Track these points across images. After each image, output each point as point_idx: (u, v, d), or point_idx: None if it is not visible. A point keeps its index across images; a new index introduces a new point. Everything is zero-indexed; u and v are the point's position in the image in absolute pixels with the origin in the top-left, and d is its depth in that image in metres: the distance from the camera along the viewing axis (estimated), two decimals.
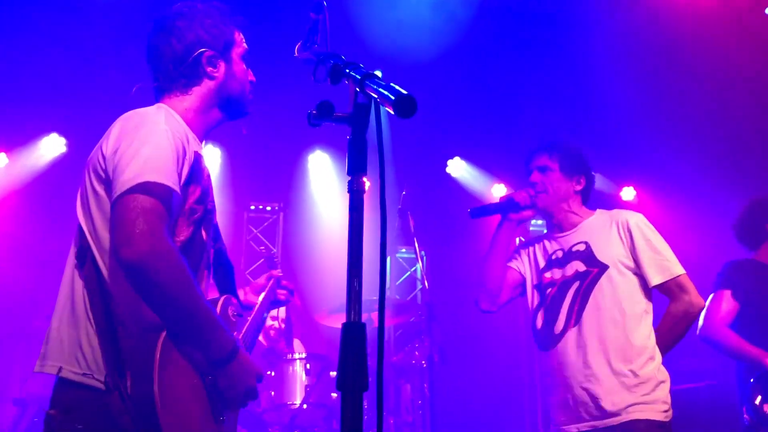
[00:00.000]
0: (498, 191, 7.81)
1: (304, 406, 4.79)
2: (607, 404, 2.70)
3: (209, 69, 2.15)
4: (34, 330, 5.71)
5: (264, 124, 6.31)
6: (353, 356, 1.19)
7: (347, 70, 1.37)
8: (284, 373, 4.91)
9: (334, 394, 4.93)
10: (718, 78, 6.41)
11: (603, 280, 2.84)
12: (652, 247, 2.87)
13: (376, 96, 1.25)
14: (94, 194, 1.94)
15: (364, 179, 1.35)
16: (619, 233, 2.92)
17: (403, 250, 7.66)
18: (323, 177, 7.61)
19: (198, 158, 2.06)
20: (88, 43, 5.87)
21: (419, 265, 5.70)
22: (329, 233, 7.22)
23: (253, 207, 7.58)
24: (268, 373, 4.88)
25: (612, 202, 7.81)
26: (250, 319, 2.41)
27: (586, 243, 2.97)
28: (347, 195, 1.30)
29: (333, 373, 4.97)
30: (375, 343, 1.26)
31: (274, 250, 7.46)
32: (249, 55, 2.28)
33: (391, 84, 1.22)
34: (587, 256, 2.92)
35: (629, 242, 2.89)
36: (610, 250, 2.90)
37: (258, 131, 6.47)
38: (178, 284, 1.77)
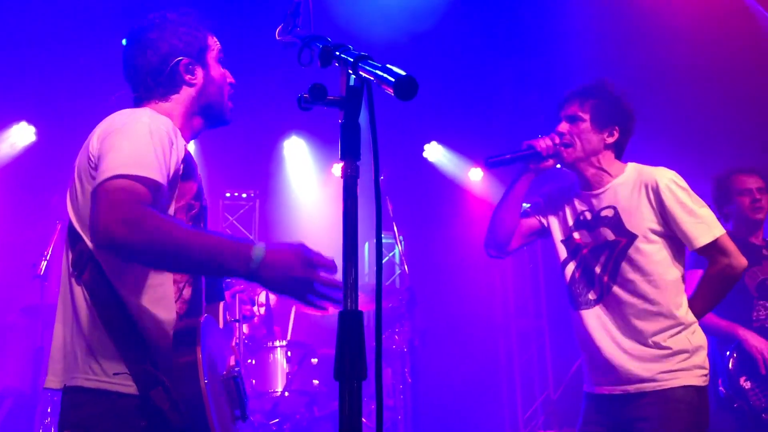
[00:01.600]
0: (475, 175, 7.83)
1: (286, 393, 4.78)
2: (640, 371, 2.63)
3: (187, 77, 2.15)
4: (8, 324, 5.60)
5: (239, 109, 6.19)
6: (351, 345, 1.17)
7: (338, 53, 1.33)
8: (265, 361, 4.89)
9: (316, 381, 4.92)
10: (687, 64, 6.47)
11: (632, 251, 2.70)
12: (688, 210, 2.69)
13: (372, 78, 1.22)
14: (83, 195, 1.92)
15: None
16: (648, 198, 2.73)
17: (382, 235, 7.64)
18: (299, 163, 7.55)
19: (189, 155, 2.06)
20: (59, 31, 5.73)
21: (398, 250, 5.70)
22: (306, 219, 7.18)
23: (228, 194, 7.49)
24: (249, 361, 4.86)
25: None
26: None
27: (614, 208, 2.78)
28: (341, 180, 1.28)
29: (314, 360, 4.96)
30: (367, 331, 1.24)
31: (252, 237, 7.43)
32: (225, 56, 2.28)
33: (388, 65, 1.19)
34: (615, 223, 2.76)
35: (659, 207, 2.71)
36: (639, 217, 2.72)
37: (232, 117, 6.40)
38: (167, 237, 1.70)
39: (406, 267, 5.55)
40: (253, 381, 4.81)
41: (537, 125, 7.55)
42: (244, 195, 7.52)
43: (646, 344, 2.66)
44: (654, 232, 2.71)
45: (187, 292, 1.98)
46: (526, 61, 6.88)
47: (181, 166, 1.97)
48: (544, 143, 2.86)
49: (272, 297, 5.26)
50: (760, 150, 6.26)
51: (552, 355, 7.59)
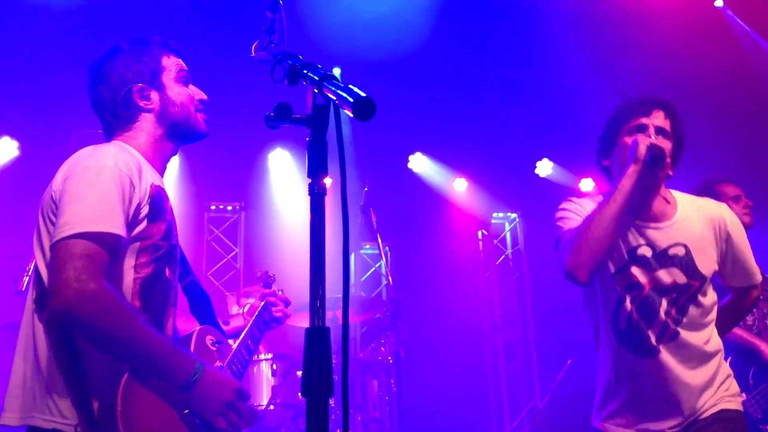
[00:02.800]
0: (459, 186, 7.85)
1: (271, 406, 4.75)
2: (698, 404, 2.48)
3: (142, 102, 2.16)
4: None
5: (223, 122, 6.23)
6: (317, 362, 1.18)
7: (305, 71, 1.34)
8: (250, 374, 4.87)
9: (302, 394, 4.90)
10: (673, 68, 6.54)
11: (700, 293, 2.50)
12: (745, 254, 2.59)
13: (334, 98, 1.23)
14: (48, 236, 1.92)
15: (325, 180, 1.34)
16: (716, 237, 2.56)
17: (367, 246, 7.65)
18: (284, 175, 7.55)
19: (159, 192, 2.05)
20: (41, 47, 5.73)
21: (383, 261, 5.71)
22: (292, 231, 7.17)
23: (213, 207, 7.48)
24: None
25: (571, 195, 7.91)
26: (237, 343, 2.38)
27: (685, 247, 2.51)
28: (308, 198, 1.29)
29: (300, 373, 4.94)
30: (341, 342, 1.25)
31: (236, 250, 7.42)
32: (187, 74, 2.27)
33: (350, 86, 1.21)
34: (688, 265, 2.50)
35: (726, 245, 2.56)
36: (710, 257, 2.54)
37: (217, 129, 6.37)
38: (115, 323, 1.76)
39: (390, 278, 5.55)
40: None
41: (520, 136, 7.62)
42: (229, 207, 7.52)
43: (706, 382, 2.50)
44: (715, 271, 2.56)
45: None
46: (509, 72, 6.94)
47: (147, 207, 1.98)
48: (659, 150, 2.46)
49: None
50: (740, 159, 6.33)
51: (538, 364, 7.61)
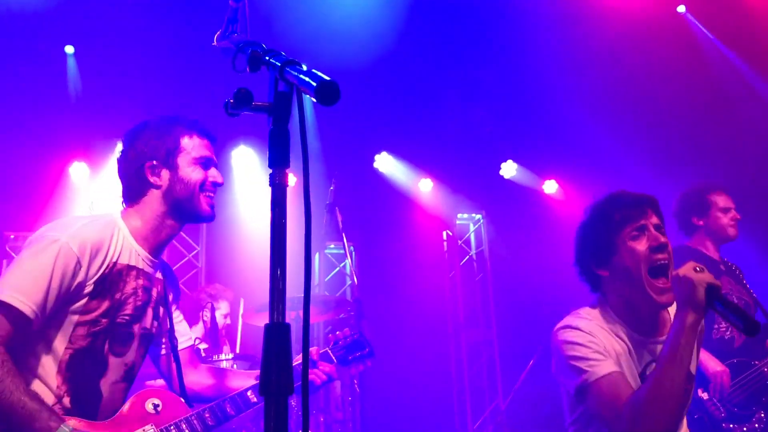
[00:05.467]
0: (425, 186, 7.85)
1: None
2: None
3: (152, 179, 2.26)
4: None
5: (187, 116, 6.12)
6: (277, 359, 1.13)
7: (267, 57, 1.30)
8: None
9: None
10: (635, 72, 6.63)
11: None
12: None
13: (297, 83, 1.18)
14: None
15: (288, 173, 1.30)
16: None
17: (332, 245, 7.59)
18: (248, 172, 7.45)
19: (120, 271, 2.15)
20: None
21: (348, 261, 5.66)
22: (255, 229, 7.08)
23: None
24: None
25: (535, 196, 7.99)
26: (200, 409, 2.32)
27: None
28: (269, 189, 1.24)
29: None
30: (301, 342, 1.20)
31: (198, 249, 7.29)
32: (208, 158, 2.33)
33: (313, 70, 1.16)
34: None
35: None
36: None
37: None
38: None
39: (355, 278, 5.51)
40: None
41: (485, 137, 7.65)
42: None
43: None
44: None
45: (66, 402, 2.08)
46: (475, 73, 6.96)
47: (92, 285, 2.07)
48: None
49: (221, 311, 5.18)
50: (726, 163, 6.45)
51: (501, 365, 7.64)
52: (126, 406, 2.19)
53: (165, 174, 2.26)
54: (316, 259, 7.53)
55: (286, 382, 1.12)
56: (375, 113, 7.13)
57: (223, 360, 4.79)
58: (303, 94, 1.22)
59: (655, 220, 2.36)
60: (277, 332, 1.14)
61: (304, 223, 1.27)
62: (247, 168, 7.44)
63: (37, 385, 2.06)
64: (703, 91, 6.75)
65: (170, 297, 2.46)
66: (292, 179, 7.18)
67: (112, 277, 2.13)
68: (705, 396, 3.58)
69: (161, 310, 2.37)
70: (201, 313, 5.05)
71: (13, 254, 7.08)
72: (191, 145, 2.30)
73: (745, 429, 3.62)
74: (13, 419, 1.91)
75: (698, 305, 2.02)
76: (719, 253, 4.10)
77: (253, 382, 2.44)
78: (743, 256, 4.64)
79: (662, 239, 2.30)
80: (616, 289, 2.36)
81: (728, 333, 3.83)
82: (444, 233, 8.17)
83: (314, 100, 1.10)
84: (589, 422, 2.35)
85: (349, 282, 7.59)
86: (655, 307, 2.28)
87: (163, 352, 2.46)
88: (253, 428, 4.76)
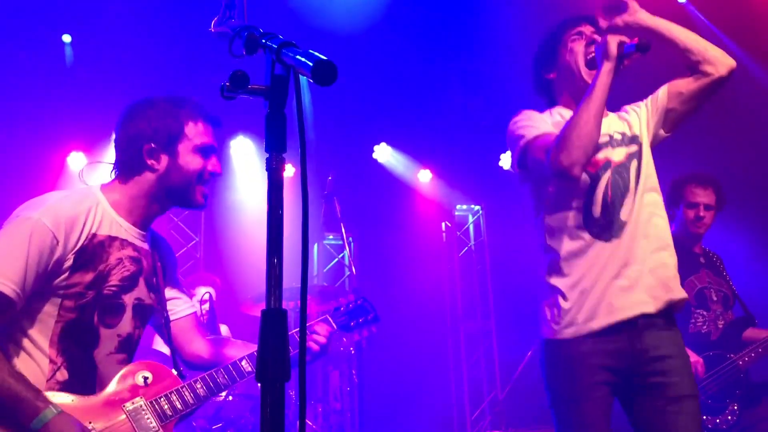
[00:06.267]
0: (424, 176, 7.84)
1: (230, 397, 4.67)
2: (676, 284, 2.54)
3: (150, 162, 2.20)
4: None
5: None
6: (273, 345, 1.12)
7: (263, 40, 1.28)
8: None
9: None
10: (634, 62, 6.60)
11: (644, 157, 2.65)
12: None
13: (294, 64, 1.17)
14: None
15: (286, 163, 1.29)
16: (644, 108, 2.81)
17: (330, 236, 7.59)
18: (246, 163, 7.44)
19: (101, 243, 2.12)
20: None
21: (347, 252, 5.66)
22: (253, 220, 7.07)
23: None
24: None
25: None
26: (192, 380, 2.30)
27: (627, 124, 2.71)
28: (265, 173, 1.23)
29: None
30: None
31: (196, 239, 7.28)
32: (210, 146, 2.27)
33: (310, 51, 1.15)
34: (629, 137, 2.68)
35: (650, 106, 2.77)
36: (642, 124, 2.72)
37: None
38: None
39: (353, 269, 5.50)
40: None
41: (485, 128, 7.63)
42: None
43: (671, 257, 2.61)
44: (651, 133, 2.76)
45: (62, 375, 2.07)
46: (476, 65, 6.93)
47: (71, 259, 2.05)
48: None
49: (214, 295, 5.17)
50: (723, 150, 6.42)
51: (499, 356, 7.65)
52: (115, 380, 2.17)
53: (163, 159, 2.21)
54: (314, 249, 7.54)
55: (283, 368, 1.11)
56: (374, 103, 7.11)
57: None
58: (300, 78, 1.21)
59: (590, 29, 2.72)
60: (273, 318, 1.13)
61: (301, 209, 1.26)
62: (245, 158, 7.43)
63: (28, 363, 2.05)
64: None
65: (164, 268, 2.42)
66: (290, 170, 7.18)
67: (93, 249, 2.10)
68: None
69: (155, 280, 2.32)
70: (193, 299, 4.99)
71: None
72: (194, 132, 2.24)
73: (718, 420, 3.65)
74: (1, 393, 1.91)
75: (611, 55, 2.47)
76: (701, 243, 4.07)
77: (252, 350, 2.39)
78: (740, 246, 4.62)
79: (595, 37, 2.68)
80: (564, 88, 2.73)
81: (705, 327, 3.83)
82: (443, 224, 8.17)
83: (311, 80, 1.09)
84: (540, 192, 2.66)
85: (347, 273, 7.59)
86: None
87: (162, 323, 2.43)
88: (251, 418, 4.77)
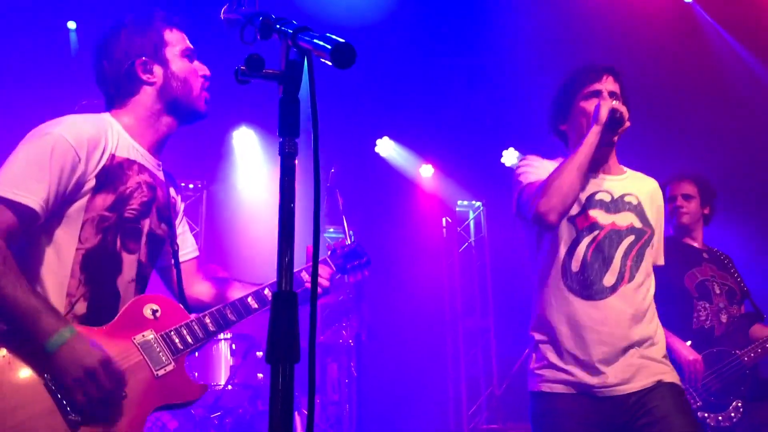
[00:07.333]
0: (426, 171, 7.85)
1: (229, 386, 4.69)
2: (658, 369, 2.60)
3: (145, 76, 2.18)
4: None
5: None
6: (284, 327, 1.12)
7: (278, 25, 1.29)
8: (208, 353, 4.79)
9: (261, 375, 4.84)
10: (641, 61, 6.60)
11: (650, 246, 2.71)
12: (662, 231, 2.85)
13: (311, 48, 1.17)
14: None
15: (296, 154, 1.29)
16: (654, 203, 2.83)
17: (332, 229, 7.59)
18: (249, 154, 7.44)
19: (120, 164, 2.08)
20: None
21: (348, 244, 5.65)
22: (255, 211, 7.08)
23: None
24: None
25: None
26: (201, 315, 2.25)
27: (637, 198, 2.76)
28: (278, 158, 1.23)
29: (260, 354, 4.88)
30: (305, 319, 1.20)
31: (197, 229, 7.28)
32: (192, 50, 2.27)
33: (328, 34, 1.15)
34: (641, 213, 2.73)
35: (656, 217, 2.81)
36: (653, 216, 2.78)
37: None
38: None
39: None
40: (196, 374, 4.71)
41: (487, 124, 7.62)
42: (191, 185, 7.36)
43: (659, 337, 2.70)
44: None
45: (80, 308, 2.00)
46: (478, 59, 6.93)
47: (93, 179, 2.00)
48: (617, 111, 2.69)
49: None
50: (731, 154, 6.43)
51: (497, 352, 7.67)
52: (122, 312, 2.09)
53: (158, 70, 2.19)
54: (320, 232, 7.53)
55: (293, 349, 1.11)
56: (377, 98, 7.11)
57: (222, 339, 4.79)
58: (313, 62, 1.21)
59: (610, 86, 2.74)
60: (284, 300, 1.14)
61: (310, 206, 1.27)
62: (248, 149, 7.43)
63: (50, 282, 1.98)
64: (710, 84, 6.73)
65: (175, 202, 2.39)
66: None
67: (114, 170, 2.05)
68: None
69: (166, 213, 2.28)
70: None
71: None
72: (174, 38, 2.23)
73: (720, 418, 3.57)
74: (16, 315, 1.84)
75: (600, 120, 2.58)
76: (702, 240, 4.08)
77: (255, 289, 2.37)
78: (743, 246, 4.63)
79: (607, 96, 2.70)
80: (575, 141, 2.76)
81: (708, 322, 3.78)
82: (443, 220, 8.18)
83: (330, 63, 1.09)
84: (539, 243, 2.74)
85: None
86: (599, 153, 2.69)
87: (168, 263, 2.39)
88: (249, 408, 4.78)
